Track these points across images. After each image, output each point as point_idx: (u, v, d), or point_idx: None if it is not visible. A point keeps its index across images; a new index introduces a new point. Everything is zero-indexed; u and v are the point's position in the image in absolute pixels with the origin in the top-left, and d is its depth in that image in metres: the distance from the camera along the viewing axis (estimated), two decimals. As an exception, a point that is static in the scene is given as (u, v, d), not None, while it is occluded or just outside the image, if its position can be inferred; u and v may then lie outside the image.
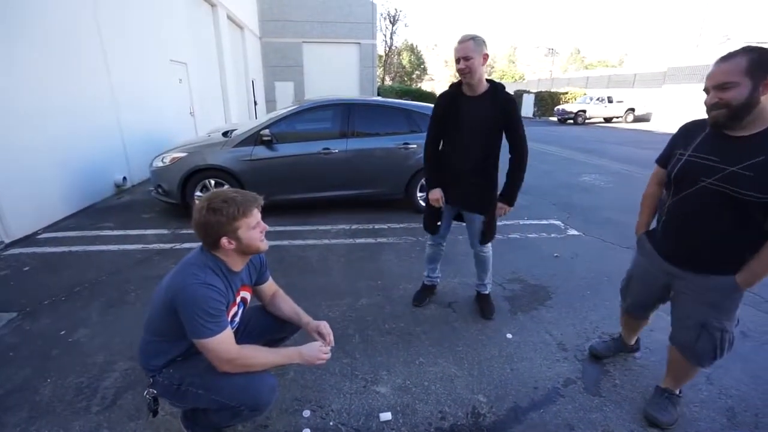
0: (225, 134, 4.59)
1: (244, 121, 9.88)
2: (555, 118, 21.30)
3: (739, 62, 1.24)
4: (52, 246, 3.60)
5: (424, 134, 2.42)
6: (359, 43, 18.02)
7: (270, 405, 1.45)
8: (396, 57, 40.66)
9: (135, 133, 5.85)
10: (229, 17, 11.44)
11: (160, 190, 4.29)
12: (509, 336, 2.35)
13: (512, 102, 2.15)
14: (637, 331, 2.07)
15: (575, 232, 4.15)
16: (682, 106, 18.90)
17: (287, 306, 1.69)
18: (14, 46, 3.71)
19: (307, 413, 1.75)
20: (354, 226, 4.23)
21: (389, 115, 4.63)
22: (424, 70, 45.53)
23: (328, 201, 4.61)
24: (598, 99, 20.42)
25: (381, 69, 34.60)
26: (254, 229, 1.37)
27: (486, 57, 2.07)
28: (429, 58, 48.73)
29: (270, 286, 1.71)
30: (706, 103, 1.34)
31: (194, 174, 4.16)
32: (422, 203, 4.34)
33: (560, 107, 20.91)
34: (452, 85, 2.28)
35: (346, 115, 4.47)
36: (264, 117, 4.95)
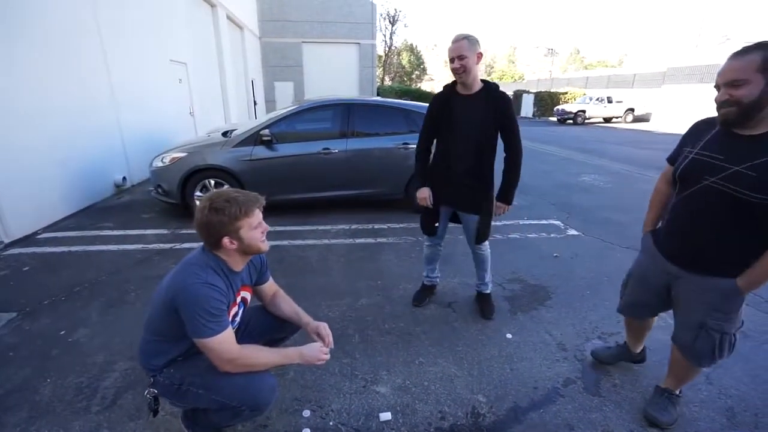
0: (225, 134, 4.59)
1: (243, 121, 9.87)
2: (554, 118, 21.32)
3: (753, 59, 1.19)
4: (51, 246, 3.60)
5: None
6: (359, 43, 18.03)
7: (270, 405, 1.45)
8: (395, 57, 40.65)
9: (135, 133, 5.84)
10: (228, 17, 11.44)
11: (159, 190, 4.29)
12: (509, 336, 2.35)
13: (506, 100, 2.17)
14: (641, 337, 2.00)
15: (575, 232, 4.15)
16: (681, 106, 18.93)
17: (287, 306, 1.70)
18: (14, 46, 3.71)
19: (307, 413, 1.75)
20: (354, 226, 4.23)
21: (389, 115, 4.64)
22: (424, 70, 45.54)
23: (328, 201, 4.61)
24: (597, 99, 20.45)
25: (380, 69, 34.61)
26: (256, 229, 1.38)
27: (480, 56, 2.10)
28: (428, 58, 48.74)
29: (270, 286, 1.71)
30: (716, 100, 1.30)
31: (194, 174, 4.16)
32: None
33: (560, 107, 20.94)
34: (446, 86, 2.30)
35: (346, 115, 4.47)
36: (264, 117, 4.95)
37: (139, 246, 3.62)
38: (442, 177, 2.34)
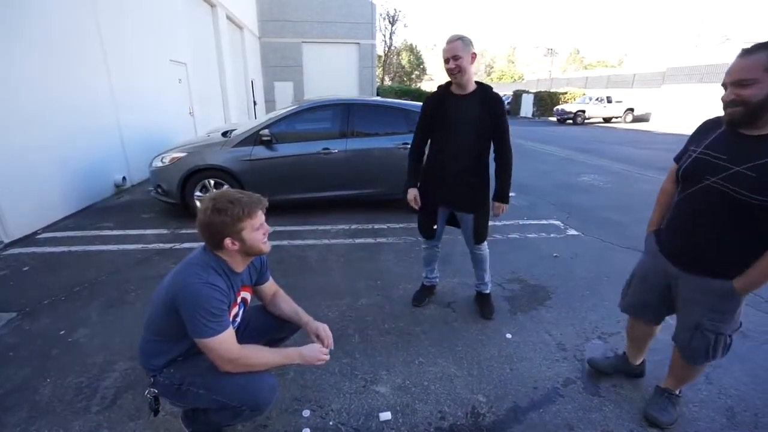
0: (224, 134, 4.59)
1: (243, 121, 9.87)
2: (554, 118, 21.33)
3: (761, 58, 1.17)
4: (51, 246, 3.60)
5: None
6: (358, 43, 18.03)
7: (270, 405, 1.45)
8: (395, 57, 40.64)
9: (134, 133, 5.84)
10: (228, 17, 11.43)
11: (159, 190, 4.29)
12: (509, 336, 2.35)
13: (499, 101, 2.22)
14: (642, 347, 1.92)
15: (574, 232, 4.15)
16: (681, 107, 18.95)
17: (287, 306, 1.70)
18: (14, 46, 3.71)
19: (306, 413, 1.75)
20: (353, 226, 4.24)
21: (388, 115, 4.63)
22: (424, 70, 45.51)
23: (328, 201, 4.61)
24: (597, 99, 20.46)
25: (380, 69, 34.61)
26: (258, 230, 1.38)
27: (474, 56, 2.12)
28: (428, 58, 48.66)
29: (270, 286, 1.71)
30: (722, 99, 1.28)
31: (194, 174, 4.16)
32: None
33: (559, 107, 20.95)
34: (440, 87, 2.31)
35: (346, 115, 4.47)
36: (263, 117, 4.95)
37: (139, 246, 3.62)
38: (436, 177, 2.35)
